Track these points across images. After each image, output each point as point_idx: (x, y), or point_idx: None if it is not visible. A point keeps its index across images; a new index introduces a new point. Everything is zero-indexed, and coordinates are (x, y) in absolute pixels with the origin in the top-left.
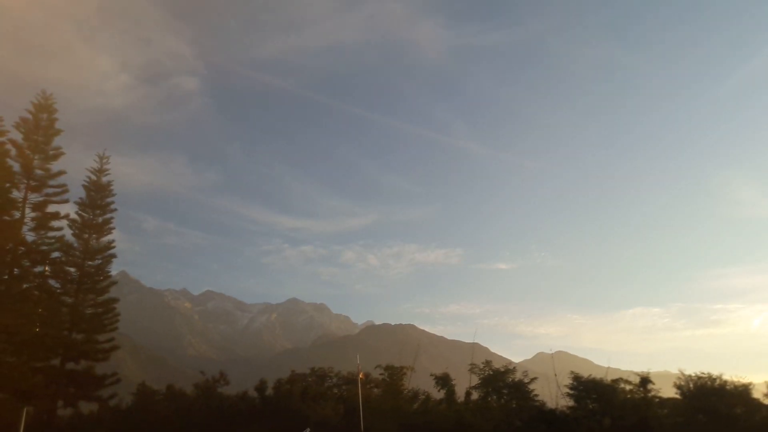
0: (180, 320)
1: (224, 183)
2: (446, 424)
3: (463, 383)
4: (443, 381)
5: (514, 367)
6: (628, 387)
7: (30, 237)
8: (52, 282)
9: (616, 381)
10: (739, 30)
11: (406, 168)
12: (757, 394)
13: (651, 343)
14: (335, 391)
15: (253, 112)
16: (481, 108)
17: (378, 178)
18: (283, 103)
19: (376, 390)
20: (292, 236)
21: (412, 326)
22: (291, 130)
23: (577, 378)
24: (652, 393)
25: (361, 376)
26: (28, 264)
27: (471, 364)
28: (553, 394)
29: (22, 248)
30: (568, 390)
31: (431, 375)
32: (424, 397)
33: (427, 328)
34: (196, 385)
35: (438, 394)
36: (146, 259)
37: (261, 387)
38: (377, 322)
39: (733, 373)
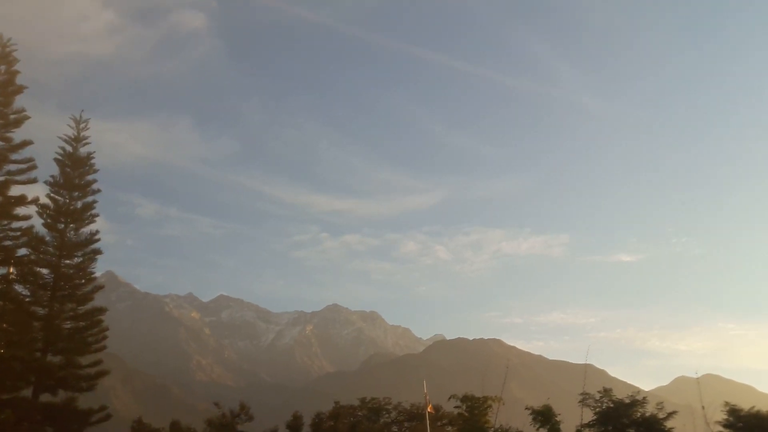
0: (185, 335)
1: (242, 152)
2: None
3: (572, 419)
4: (544, 416)
5: (645, 397)
6: None
7: None
8: (18, 288)
9: None
10: None
11: (483, 124)
12: None
13: None
14: (394, 429)
15: (275, 56)
16: (587, 41)
17: (445, 140)
18: (314, 42)
19: (450, 428)
20: (332, 222)
21: (498, 342)
22: (325, 79)
23: (734, 411)
24: None
25: (429, 409)
26: None
27: (582, 394)
28: None
29: None
30: (720, 428)
31: (526, 408)
32: None
33: (520, 345)
34: (208, 422)
35: None
36: (141, 255)
37: (295, 424)
38: (449, 337)
39: None
